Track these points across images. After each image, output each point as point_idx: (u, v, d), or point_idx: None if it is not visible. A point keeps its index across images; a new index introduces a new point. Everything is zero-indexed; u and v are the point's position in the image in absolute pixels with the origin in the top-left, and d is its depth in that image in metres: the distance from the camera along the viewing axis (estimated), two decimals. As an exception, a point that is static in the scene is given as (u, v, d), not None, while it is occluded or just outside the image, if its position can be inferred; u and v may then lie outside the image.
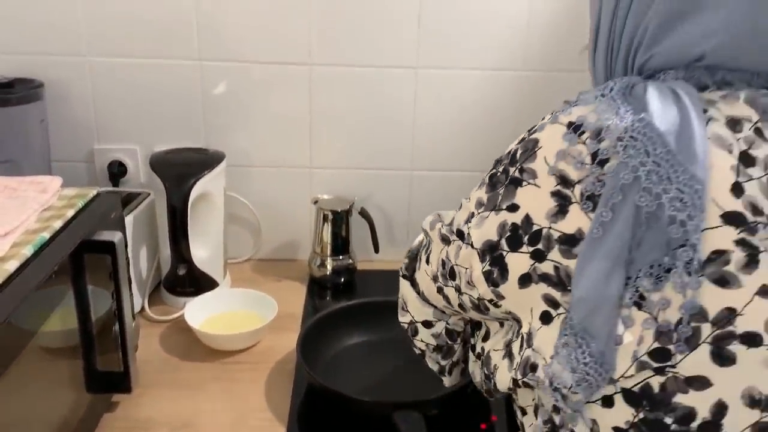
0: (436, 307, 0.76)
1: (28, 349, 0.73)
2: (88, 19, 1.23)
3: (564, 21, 1.27)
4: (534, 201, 0.58)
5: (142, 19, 1.24)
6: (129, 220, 1.12)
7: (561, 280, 0.56)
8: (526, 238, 0.58)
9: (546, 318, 0.57)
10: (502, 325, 0.68)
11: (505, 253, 0.60)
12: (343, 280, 1.33)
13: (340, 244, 1.31)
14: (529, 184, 0.59)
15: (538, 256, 0.57)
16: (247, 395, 1.00)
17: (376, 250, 1.35)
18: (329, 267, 1.32)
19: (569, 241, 0.55)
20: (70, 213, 0.87)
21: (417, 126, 1.35)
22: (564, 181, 0.56)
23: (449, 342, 0.79)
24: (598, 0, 0.66)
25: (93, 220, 0.88)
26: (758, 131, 0.56)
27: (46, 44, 1.24)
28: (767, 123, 0.56)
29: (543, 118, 0.61)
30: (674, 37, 0.59)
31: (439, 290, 0.71)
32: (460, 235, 0.66)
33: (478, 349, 0.72)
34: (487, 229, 0.62)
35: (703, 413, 0.52)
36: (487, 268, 0.62)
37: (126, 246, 0.93)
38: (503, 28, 1.28)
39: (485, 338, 0.71)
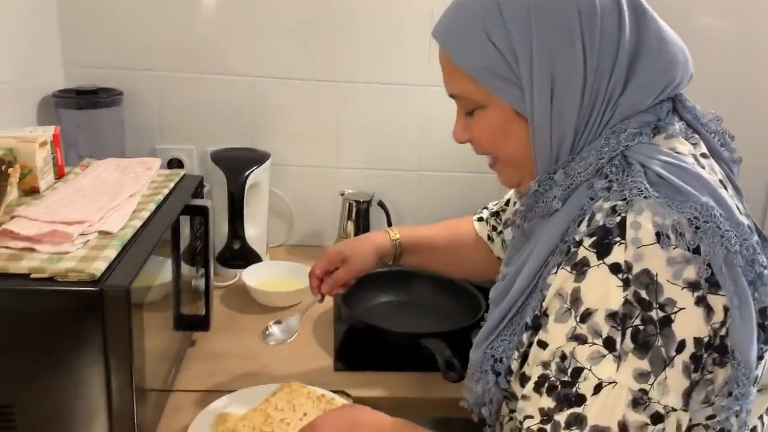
0: None
1: (147, 300, 0.92)
2: (158, 41, 1.51)
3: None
4: (690, 324, 0.61)
5: (203, 41, 1.51)
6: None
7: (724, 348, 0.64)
8: (705, 354, 0.62)
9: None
10: None
11: (697, 379, 0.63)
12: (363, 260, 1.59)
13: (361, 229, 1.58)
14: (676, 313, 0.61)
15: (718, 351, 0.63)
16: (299, 336, 1.24)
17: (391, 236, 1.62)
18: (352, 249, 1.58)
19: (724, 323, 0.63)
20: (171, 185, 1.13)
21: (425, 134, 1.63)
22: (692, 285, 0.61)
23: None
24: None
25: (187, 191, 1.14)
26: (704, 159, 0.72)
27: (125, 60, 1.51)
28: (702, 152, 0.73)
29: (605, 245, 0.63)
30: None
31: None
32: (658, 418, 0.62)
33: None
34: (675, 386, 0.62)
35: None
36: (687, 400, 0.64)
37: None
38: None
39: None
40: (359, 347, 1.22)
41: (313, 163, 1.63)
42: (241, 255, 1.44)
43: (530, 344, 0.72)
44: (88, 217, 0.92)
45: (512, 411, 0.78)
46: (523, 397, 0.69)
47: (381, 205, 1.60)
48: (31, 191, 1.03)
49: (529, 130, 0.73)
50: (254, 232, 1.48)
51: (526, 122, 0.73)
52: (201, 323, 1.18)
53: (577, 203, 0.71)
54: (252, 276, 1.37)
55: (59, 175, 1.11)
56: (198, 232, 1.14)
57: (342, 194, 1.59)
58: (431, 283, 1.37)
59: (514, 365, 0.75)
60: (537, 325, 0.71)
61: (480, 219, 1.16)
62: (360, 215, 1.58)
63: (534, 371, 0.68)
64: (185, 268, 1.12)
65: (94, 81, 1.48)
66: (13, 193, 0.98)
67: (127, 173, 1.13)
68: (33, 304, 0.79)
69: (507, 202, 1.12)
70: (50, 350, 0.81)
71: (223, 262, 1.46)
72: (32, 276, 0.79)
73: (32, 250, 0.83)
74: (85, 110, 1.41)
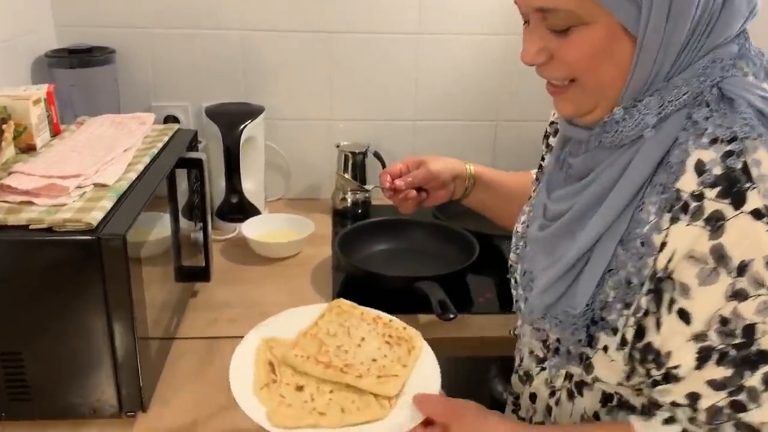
0: None
1: (147, 252, 0.94)
2: (148, -3, 1.50)
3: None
4: None
5: (193, -4, 1.51)
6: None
7: None
8: None
9: None
10: None
11: None
12: (360, 211, 1.61)
13: (358, 180, 1.59)
14: None
15: None
16: (298, 285, 1.28)
17: (388, 186, 1.63)
18: (349, 200, 1.60)
19: None
20: (165, 139, 1.14)
21: (419, 84, 1.63)
22: None
23: None
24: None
25: (181, 145, 1.15)
26: None
27: (117, 18, 1.50)
28: None
29: (736, 193, 0.60)
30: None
31: None
32: None
33: None
34: None
35: None
36: None
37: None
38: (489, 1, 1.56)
39: None
40: (357, 293, 1.23)
41: (307, 115, 1.63)
42: (240, 209, 1.47)
43: (646, 312, 0.68)
44: (83, 170, 0.94)
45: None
46: (675, 378, 0.66)
47: (377, 155, 1.61)
48: (27, 149, 1.05)
49: (634, 52, 0.66)
50: (252, 186, 1.49)
51: (633, 43, 0.66)
52: (201, 274, 1.21)
53: (671, 133, 0.67)
54: (251, 228, 1.39)
55: (55, 133, 1.13)
56: (195, 186, 1.16)
57: (337, 146, 1.60)
58: (426, 230, 1.39)
59: (629, 333, 0.69)
60: (659, 289, 0.66)
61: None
62: (356, 166, 1.59)
63: (685, 349, 0.64)
64: (184, 223, 1.15)
65: (86, 40, 1.48)
66: (9, 150, 1.00)
67: (122, 129, 1.14)
68: (33, 254, 0.81)
69: None
70: (53, 299, 0.84)
71: (222, 216, 1.49)
72: (31, 227, 0.81)
73: (30, 203, 0.86)
74: (79, 69, 1.41)
